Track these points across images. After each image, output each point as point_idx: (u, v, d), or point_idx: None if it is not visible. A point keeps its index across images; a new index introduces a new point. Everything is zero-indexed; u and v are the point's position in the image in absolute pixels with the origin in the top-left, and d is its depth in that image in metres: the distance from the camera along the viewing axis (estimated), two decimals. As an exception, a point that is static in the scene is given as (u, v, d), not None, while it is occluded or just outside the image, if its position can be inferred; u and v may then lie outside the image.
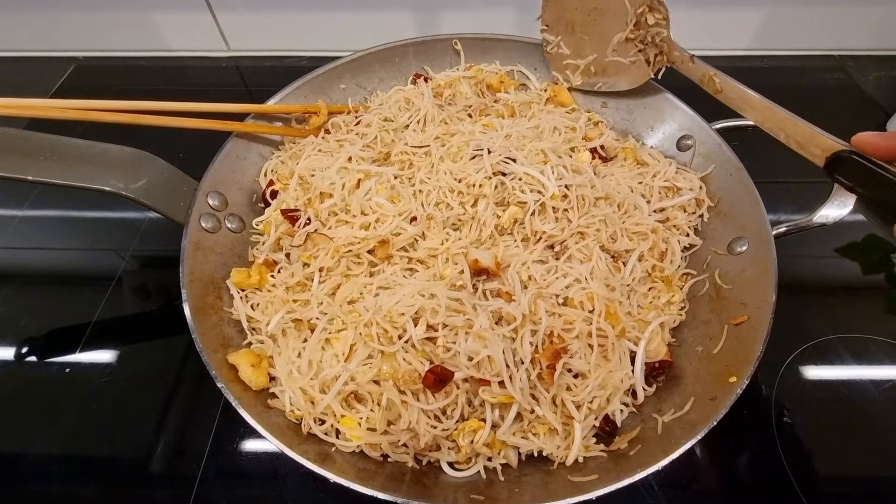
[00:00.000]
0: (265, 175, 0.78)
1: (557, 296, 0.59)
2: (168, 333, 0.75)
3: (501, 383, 0.52)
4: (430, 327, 0.54)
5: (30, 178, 0.56)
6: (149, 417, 0.66)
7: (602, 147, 0.77)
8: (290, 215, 0.66)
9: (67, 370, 0.71)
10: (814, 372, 0.68)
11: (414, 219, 0.65)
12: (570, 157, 0.71)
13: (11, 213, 0.90)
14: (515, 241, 0.64)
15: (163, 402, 0.67)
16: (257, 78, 1.15)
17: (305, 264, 0.64)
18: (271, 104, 0.80)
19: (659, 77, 0.76)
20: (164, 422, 0.66)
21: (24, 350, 0.73)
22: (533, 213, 0.63)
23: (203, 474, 0.61)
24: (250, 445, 0.64)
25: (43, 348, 0.74)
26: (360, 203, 0.66)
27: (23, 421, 0.67)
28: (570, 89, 0.85)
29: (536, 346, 0.54)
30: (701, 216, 0.73)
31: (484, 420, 0.53)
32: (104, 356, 0.73)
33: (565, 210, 0.64)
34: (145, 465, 0.63)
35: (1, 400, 0.69)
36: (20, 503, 0.62)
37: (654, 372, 0.60)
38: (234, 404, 0.51)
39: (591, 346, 0.56)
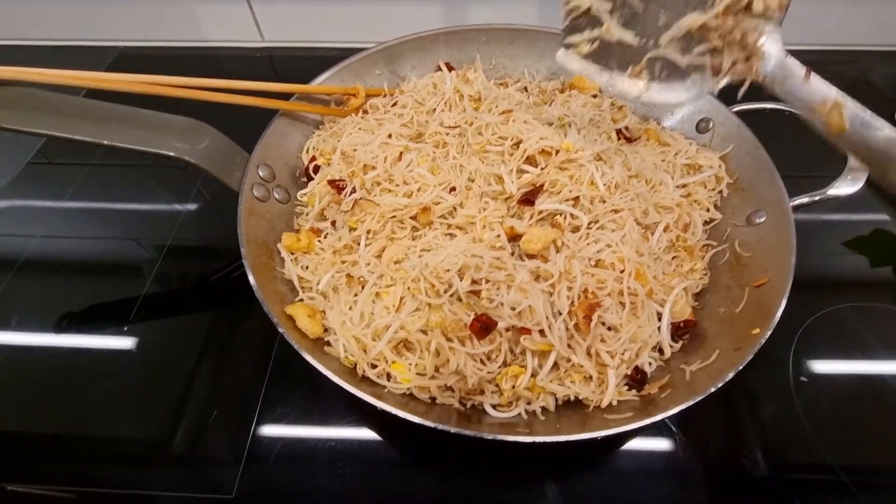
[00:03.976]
0: (307, 152, 0.82)
1: (590, 259, 0.64)
2: (207, 317, 0.78)
3: (541, 332, 0.56)
4: (473, 282, 0.58)
5: (105, 142, 0.61)
6: (190, 399, 0.68)
7: (626, 128, 0.81)
8: (337, 185, 0.71)
9: (107, 357, 0.73)
10: (827, 338, 0.72)
11: (453, 189, 0.69)
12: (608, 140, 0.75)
13: (53, 204, 0.94)
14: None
15: (204, 385, 0.69)
16: (288, 68, 1.20)
17: (352, 229, 0.68)
18: (313, 85, 0.84)
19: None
20: (207, 403, 0.67)
21: (65, 336, 0.75)
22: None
23: (247, 458, 0.63)
24: (295, 430, 0.65)
25: (83, 334, 0.76)
26: (403, 174, 0.70)
27: (66, 403, 0.69)
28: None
29: (572, 301, 0.58)
30: (720, 192, 0.77)
31: (524, 366, 0.57)
32: (145, 341, 0.74)
33: (602, 200, 0.67)
34: (193, 444, 0.65)
35: (43, 383, 0.71)
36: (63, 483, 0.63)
37: (679, 331, 0.64)
38: (296, 348, 0.55)
39: (622, 304, 0.61)
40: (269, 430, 0.65)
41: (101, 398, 0.69)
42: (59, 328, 0.76)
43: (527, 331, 0.56)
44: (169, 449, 0.64)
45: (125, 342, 0.74)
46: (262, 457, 0.63)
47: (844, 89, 1.13)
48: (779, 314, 0.57)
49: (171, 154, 0.64)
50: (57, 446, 0.66)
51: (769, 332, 0.56)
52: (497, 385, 0.57)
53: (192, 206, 0.92)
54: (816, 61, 1.12)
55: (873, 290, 0.79)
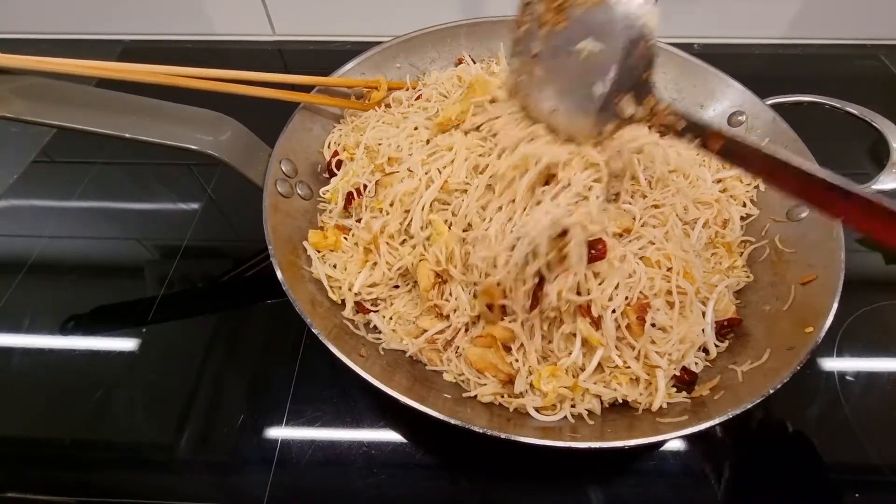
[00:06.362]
0: (329, 146, 0.80)
1: (634, 255, 0.61)
2: (227, 318, 0.75)
3: (594, 323, 0.54)
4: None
5: (126, 135, 0.58)
6: (214, 403, 0.66)
7: (658, 121, 0.79)
8: (357, 189, 0.68)
9: (125, 360, 0.70)
10: (869, 335, 0.70)
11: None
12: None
13: (61, 203, 0.90)
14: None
15: (228, 388, 0.67)
16: (300, 63, 1.17)
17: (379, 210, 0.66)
18: (334, 78, 0.82)
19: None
20: (231, 406, 0.65)
21: (80, 339, 0.72)
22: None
23: (277, 463, 0.61)
24: (326, 433, 0.63)
25: (99, 336, 0.73)
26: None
27: (83, 407, 0.66)
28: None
29: (630, 300, 0.56)
30: (756, 187, 0.75)
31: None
32: (163, 344, 0.71)
33: (643, 195, 0.65)
34: (220, 450, 0.62)
35: (57, 385, 0.68)
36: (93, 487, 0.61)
37: (724, 330, 0.62)
38: (335, 353, 0.52)
39: (669, 303, 0.58)
40: (299, 434, 0.62)
41: (118, 402, 0.66)
42: (75, 330, 0.72)
43: (586, 311, 0.54)
44: (194, 455, 0.62)
45: (143, 344, 0.71)
46: (293, 461, 0.61)
47: (867, 84, 1.12)
48: (833, 312, 0.55)
49: (195, 147, 0.62)
50: (70, 452, 0.63)
51: (824, 331, 0.54)
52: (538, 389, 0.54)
53: (205, 206, 0.89)
54: (839, 56, 1.13)
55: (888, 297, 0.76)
